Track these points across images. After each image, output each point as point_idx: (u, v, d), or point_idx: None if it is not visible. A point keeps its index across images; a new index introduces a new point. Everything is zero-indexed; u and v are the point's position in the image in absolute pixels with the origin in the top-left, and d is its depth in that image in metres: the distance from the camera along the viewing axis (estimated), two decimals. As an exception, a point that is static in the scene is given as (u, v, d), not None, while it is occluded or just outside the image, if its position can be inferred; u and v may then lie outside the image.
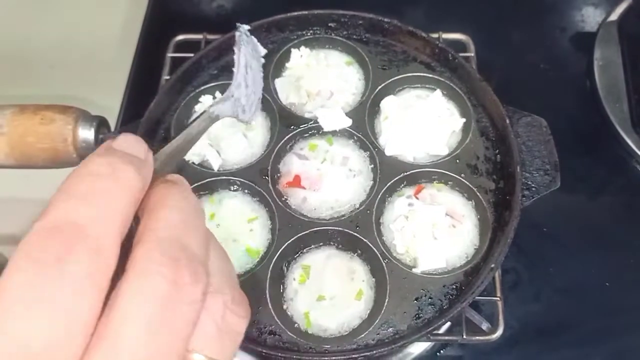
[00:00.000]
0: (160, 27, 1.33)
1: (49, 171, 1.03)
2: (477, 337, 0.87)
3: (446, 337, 0.91)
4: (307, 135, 0.95)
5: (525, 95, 1.23)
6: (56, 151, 0.94)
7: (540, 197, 0.90)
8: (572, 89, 1.28)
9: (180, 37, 1.12)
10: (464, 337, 0.86)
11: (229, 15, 1.43)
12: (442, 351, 1.02)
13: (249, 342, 0.79)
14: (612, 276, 1.08)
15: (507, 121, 0.90)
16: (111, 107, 1.20)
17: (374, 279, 0.86)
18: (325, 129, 0.94)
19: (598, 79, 1.25)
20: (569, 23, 1.36)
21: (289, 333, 0.81)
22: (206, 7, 1.46)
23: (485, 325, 0.89)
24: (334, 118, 0.94)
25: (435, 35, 1.03)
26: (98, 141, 0.94)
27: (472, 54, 1.08)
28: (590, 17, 1.35)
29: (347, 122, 0.94)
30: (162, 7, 1.42)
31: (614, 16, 1.31)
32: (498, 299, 0.89)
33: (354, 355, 0.77)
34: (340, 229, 0.87)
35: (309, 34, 1.03)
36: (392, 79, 0.98)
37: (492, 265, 0.81)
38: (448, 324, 0.96)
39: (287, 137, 0.94)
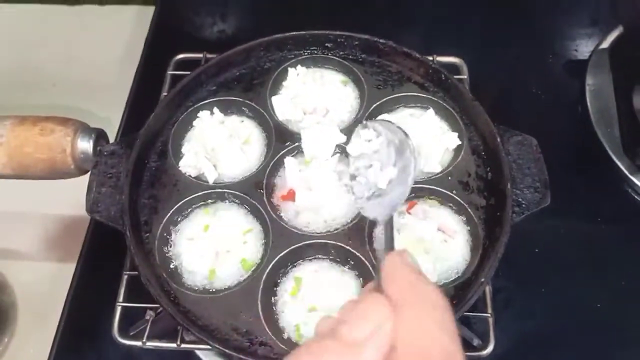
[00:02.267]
0: (161, 48, 1.36)
1: (47, 187, 1.05)
2: (468, 353, 0.87)
3: (437, 353, 0.91)
4: (302, 151, 0.97)
5: (518, 119, 1.24)
6: (54, 162, 0.95)
7: (532, 219, 0.91)
8: (565, 114, 1.30)
9: (181, 56, 1.15)
10: (455, 352, 0.86)
11: (229, 39, 1.47)
12: (433, 369, 1.02)
13: (240, 352, 0.80)
14: (604, 297, 1.08)
15: (498, 139, 0.92)
16: (111, 121, 1.22)
17: (365, 292, 0.86)
18: (326, 158, 0.95)
19: (590, 105, 1.27)
20: (561, 50, 1.39)
21: (279, 345, 0.81)
22: (207, 31, 1.50)
23: (476, 342, 0.89)
24: (324, 139, 0.95)
25: (429, 58, 1.06)
26: (96, 153, 0.95)
27: (466, 77, 1.11)
28: (583, 45, 1.38)
29: (342, 139, 0.95)
30: (164, 30, 1.46)
31: (605, 44, 1.34)
32: (489, 315, 0.89)
33: (343, 366, 0.77)
34: (332, 242, 0.88)
35: (306, 53, 1.05)
36: (387, 97, 1.00)
37: (482, 280, 0.82)
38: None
39: (282, 152, 0.96)
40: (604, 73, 1.31)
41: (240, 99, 1.01)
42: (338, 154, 0.95)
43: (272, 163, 0.94)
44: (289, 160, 0.94)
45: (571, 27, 1.43)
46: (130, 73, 1.34)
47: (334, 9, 1.47)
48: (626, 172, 1.18)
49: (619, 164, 1.19)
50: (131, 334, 0.91)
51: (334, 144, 0.95)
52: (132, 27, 1.52)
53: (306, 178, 0.93)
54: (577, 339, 1.04)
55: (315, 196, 0.92)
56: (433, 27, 1.40)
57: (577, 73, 1.32)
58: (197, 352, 1.00)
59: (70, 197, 0.99)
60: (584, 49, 1.38)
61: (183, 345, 0.88)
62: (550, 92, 1.32)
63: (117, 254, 0.95)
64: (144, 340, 0.88)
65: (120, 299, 0.92)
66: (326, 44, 1.05)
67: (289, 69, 1.03)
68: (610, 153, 1.20)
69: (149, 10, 1.50)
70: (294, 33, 1.04)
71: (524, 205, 0.89)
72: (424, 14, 1.44)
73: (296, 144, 0.96)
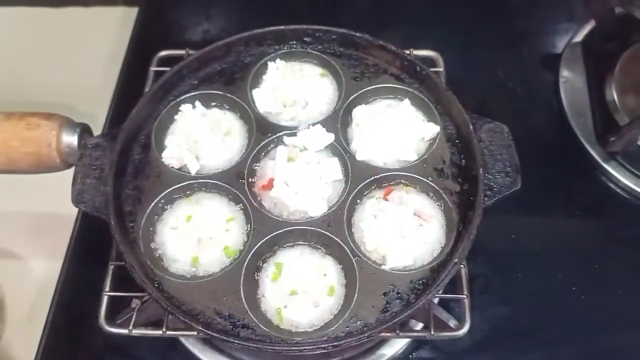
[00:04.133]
0: (145, 47, 1.38)
1: (38, 186, 1.07)
2: (445, 333, 0.90)
3: (415, 334, 0.94)
4: (282, 142, 0.99)
5: (494, 111, 1.27)
6: (40, 156, 0.98)
7: (508, 207, 0.95)
8: (540, 105, 1.34)
9: (164, 53, 1.17)
10: (432, 333, 0.89)
11: (213, 39, 1.48)
12: (414, 353, 1.05)
13: (222, 334, 0.82)
14: (579, 281, 1.11)
15: (471, 127, 0.95)
16: (97, 118, 1.25)
17: (344, 276, 0.89)
18: (314, 150, 0.98)
19: (564, 96, 1.31)
20: (536, 44, 1.43)
21: (262, 327, 0.84)
22: (191, 30, 1.52)
23: (452, 322, 0.92)
24: (318, 136, 0.98)
25: (406, 52, 1.09)
26: (81, 146, 0.98)
27: (441, 69, 1.14)
28: (557, 39, 1.42)
29: (331, 138, 0.98)
30: (148, 31, 1.48)
31: (578, 37, 1.39)
32: (464, 296, 0.92)
33: (323, 345, 0.80)
34: (312, 228, 0.91)
35: (285, 47, 1.08)
36: (364, 89, 1.03)
37: (456, 260, 0.85)
38: (421, 325, 0.99)
39: (263, 143, 0.98)
40: (578, 66, 1.35)
41: (222, 93, 1.03)
42: (325, 152, 0.99)
43: (252, 154, 0.97)
44: (280, 149, 0.97)
45: (546, 22, 1.47)
46: (114, 72, 1.37)
47: (317, 9, 1.50)
48: (599, 160, 1.22)
49: (592, 152, 1.23)
50: (118, 322, 0.93)
51: (323, 143, 0.98)
52: (116, 28, 1.54)
53: (287, 173, 0.95)
54: (553, 323, 1.07)
55: (290, 192, 0.94)
56: (411, 22, 1.44)
57: (551, 66, 1.36)
58: (182, 339, 1.02)
59: (58, 195, 1.00)
60: (558, 42, 1.42)
61: (168, 332, 0.90)
62: (526, 85, 1.36)
63: (104, 247, 0.97)
64: (130, 328, 0.90)
65: (107, 288, 0.93)
66: (305, 39, 1.08)
67: (269, 62, 1.06)
68: (584, 142, 1.24)
69: (133, 11, 1.53)
70: (273, 28, 1.07)
71: (495, 189, 0.92)
72: (402, 9, 1.47)
73: (276, 135, 0.99)
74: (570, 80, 1.33)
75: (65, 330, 1.08)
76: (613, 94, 1.27)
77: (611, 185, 1.21)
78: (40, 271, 1.21)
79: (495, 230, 1.09)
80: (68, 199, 0.94)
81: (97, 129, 1.19)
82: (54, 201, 1.09)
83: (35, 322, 1.10)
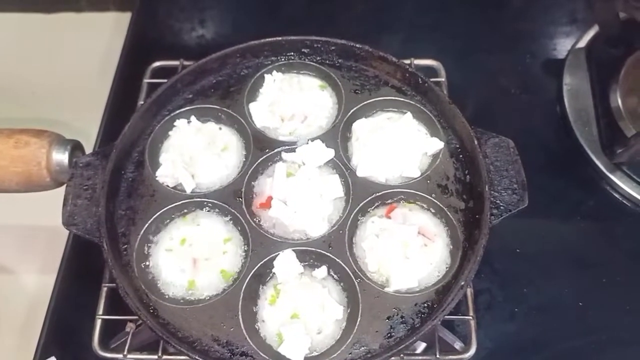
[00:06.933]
0: (139, 55, 1.35)
1: (30, 199, 1.04)
2: (450, 356, 0.87)
3: (419, 357, 0.90)
4: (280, 158, 0.96)
5: (497, 119, 1.26)
6: (29, 175, 0.94)
7: (512, 219, 0.91)
8: (543, 113, 1.31)
9: (157, 64, 1.14)
10: (437, 356, 0.86)
11: (208, 45, 1.45)
12: (417, 372, 1.02)
13: (221, 363, 0.79)
14: (585, 296, 1.09)
15: (476, 142, 0.92)
16: (89, 131, 1.21)
17: (346, 298, 0.86)
18: (314, 166, 0.94)
19: (567, 104, 1.28)
20: (538, 50, 1.39)
21: (261, 354, 0.81)
22: (186, 36, 1.49)
23: (458, 345, 0.90)
24: (317, 152, 0.95)
25: (406, 61, 1.06)
26: (72, 164, 0.94)
27: (443, 79, 1.11)
28: (560, 44, 1.39)
29: (331, 154, 0.95)
30: (141, 36, 1.44)
31: (582, 43, 1.35)
32: (471, 317, 0.89)
33: (325, 374, 0.77)
34: (312, 249, 0.88)
35: (283, 59, 1.05)
36: (364, 102, 1.00)
37: (462, 283, 0.82)
38: (424, 345, 0.97)
39: (260, 159, 0.95)
40: (581, 72, 1.32)
41: (217, 107, 1.00)
42: (325, 168, 0.96)
43: (250, 171, 0.94)
44: (279, 167, 0.93)
45: (548, 27, 1.43)
46: (108, 80, 1.33)
47: (313, 14, 1.47)
48: (604, 170, 1.19)
49: (597, 162, 1.20)
50: (112, 346, 0.90)
51: (323, 159, 0.95)
52: (109, 34, 1.51)
53: (286, 190, 0.92)
54: (559, 339, 1.05)
55: (289, 211, 0.91)
56: (411, 31, 1.40)
57: (554, 72, 1.33)
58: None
59: (49, 208, 0.98)
60: (561, 48, 1.39)
61: (165, 357, 0.87)
62: (529, 92, 1.33)
63: (97, 265, 0.94)
64: (125, 353, 0.87)
65: (100, 311, 0.91)
66: (303, 50, 1.05)
67: (265, 75, 1.03)
68: (589, 152, 1.21)
69: (126, 17, 1.49)
70: (270, 39, 1.04)
71: (502, 207, 0.89)
72: (403, 18, 1.44)
73: (274, 151, 0.96)
74: (574, 87, 1.30)
75: (58, 351, 1.04)
76: (618, 100, 1.24)
77: (617, 196, 1.18)
78: (32, 285, 1.18)
79: (500, 243, 1.06)
80: (59, 210, 0.91)
81: (88, 141, 1.16)
82: (45, 213, 1.07)
83: (27, 337, 1.07)
